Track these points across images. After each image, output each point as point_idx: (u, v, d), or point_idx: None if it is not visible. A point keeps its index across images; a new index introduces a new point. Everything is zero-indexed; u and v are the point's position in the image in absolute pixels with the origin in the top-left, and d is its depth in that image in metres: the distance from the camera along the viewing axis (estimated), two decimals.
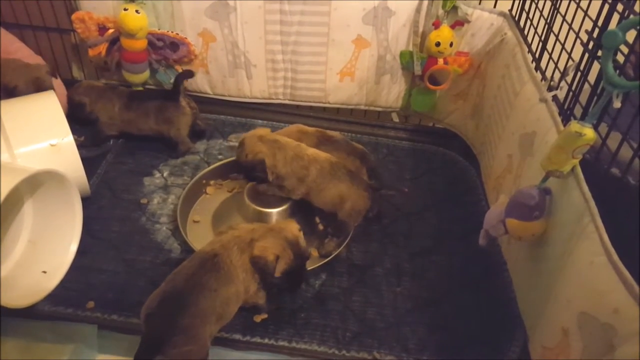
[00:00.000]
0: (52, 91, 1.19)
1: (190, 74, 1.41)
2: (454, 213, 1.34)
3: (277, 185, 1.17)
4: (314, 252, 1.18)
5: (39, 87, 1.25)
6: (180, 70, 1.53)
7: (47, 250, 1.08)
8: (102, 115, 1.38)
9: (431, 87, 1.47)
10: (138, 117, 1.38)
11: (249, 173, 1.19)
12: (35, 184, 1.07)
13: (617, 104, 0.75)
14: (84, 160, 1.16)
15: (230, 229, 0.99)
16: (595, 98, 0.92)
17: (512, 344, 1.01)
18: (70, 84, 1.48)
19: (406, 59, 1.49)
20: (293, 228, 1.00)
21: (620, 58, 0.81)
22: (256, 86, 1.58)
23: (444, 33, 1.38)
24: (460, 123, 1.56)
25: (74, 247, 1.08)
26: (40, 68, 1.31)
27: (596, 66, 0.95)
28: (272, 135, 1.18)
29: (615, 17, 0.89)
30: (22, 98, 1.18)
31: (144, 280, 1.07)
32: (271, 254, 0.94)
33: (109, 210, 1.23)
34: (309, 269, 1.10)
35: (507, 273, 1.11)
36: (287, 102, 1.62)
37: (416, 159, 1.52)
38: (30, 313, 0.98)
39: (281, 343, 0.99)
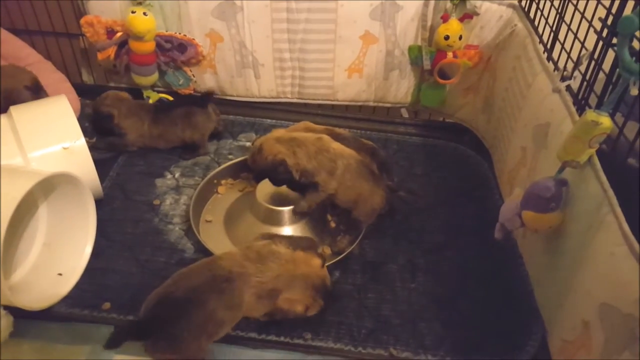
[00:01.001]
0: (63, 95, 1.20)
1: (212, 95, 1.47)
2: (467, 208, 1.32)
3: (311, 192, 1.15)
4: (327, 250, 1.18)
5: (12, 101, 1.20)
6: (189, 72, 1.54)
7: (62, 253, 1.08)
8: (131, 132, 1.37)
9: (441, 81, 1.46)
10: (167, 129, 1.38)
11: (272, 176, 1.17)
12: (49, 187, 1.07)
13: (634, 91, 0.74)
14: (96, 162, 1.16)
15: (257, 258, 0.92)
16: (611, 87, 0.90)
17: (530, 338, 0.99)
18: (80, 88, 1.50)
19: (415, 54, 1.48)
20: (316, 267, 0.96)
21: (636, 45, 0.80)
22: (264, 85, 1.58)
23: (453, 26, 1.37)
24: (471, 117, 1.55)
25: (88, 249, 1.09)
26: (21, 80, 1.23)
27: (610, 54, 0.93)
28: (289, 134, 1.17)
29: (630, 4, 0.88)
30: (33, 102, 1.19)
31: (159, 281, 1.05)
32: (300, 305, 0.92)
33: (122, 212, 1.24)
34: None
35: (523, 267, 1.10)
36: (295, 100, 1.62)
37: (427, 155, 1.51)
38: (46, 315, 0.98)
39: (296, 341, 0.98)
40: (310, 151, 1.13)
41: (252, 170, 1.29)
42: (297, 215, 1.19)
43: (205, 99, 1.42)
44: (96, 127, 1.38)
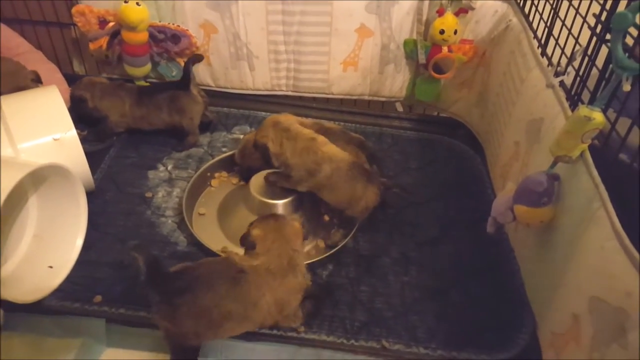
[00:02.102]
0: (54, 85, 1.18)
1: (200, 57, 1.41)
2: (460, 202, 1.33)
3: (285, 176, 1.17)
4: (321, 243, 1.18)
5: (15, 75, 1.24)
6: (182, 63, 1.53)
7: (53, 245, 1.07)
8: (112, 113, 1.36)
9: (435, 75, 1.46)
10: (150, 112, 1.37)
11: (259, 155, 1.20)
12: (39, 178, 1.06)
13: (626, 87, 0.74)
14: (88, 154, 1.15)
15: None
16: (604, 82, 0.91)
17: (520, 331, 1.00)
18: (71, 78, 1.48)
19: (410, 48, 1.47)
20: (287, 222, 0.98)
21: (629, 41, 0.80)
22: (259, 78, 1.57)
23: (448, 21, 1.37)
24: (465, 112, 1.55)
25: (79, 242, 1.08)
26: (26, 76, 1.28)
27: (604, 51, 0.94)
28: (287, 124, 1.17)
29: (623, 1, 0.88)
30: (23, 92, 1.17)
31: None
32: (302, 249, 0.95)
33: (113, 204, 1.23)
34: (315, 259, 1.10)
35: (514, 261, 1.10)
36: (290, 93, 1.61)
37: (421, 149, 1.51)
38: (37, 308, 0.98)
39: (290, 333, 0.99)
40: (297, 147, 1.14)
41: (240, 166, 1.28)
42: (266, 183, 1.20)
43: (194, 59, 1.39)
44: (77, 116, 1.36)
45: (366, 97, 1.61)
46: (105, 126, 1.38)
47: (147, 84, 1.55)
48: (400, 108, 1.71)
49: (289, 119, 1.20)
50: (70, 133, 1.11)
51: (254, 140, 1.20)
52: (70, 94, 1.37)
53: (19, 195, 1.07)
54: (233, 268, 0.89)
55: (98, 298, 1.01)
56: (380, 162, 1.30)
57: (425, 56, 1.45)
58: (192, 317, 0.85)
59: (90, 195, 1.16)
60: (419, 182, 1.38)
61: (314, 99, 1.63)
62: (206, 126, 1.47)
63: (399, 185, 1.28)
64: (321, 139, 1.17)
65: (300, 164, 1.13)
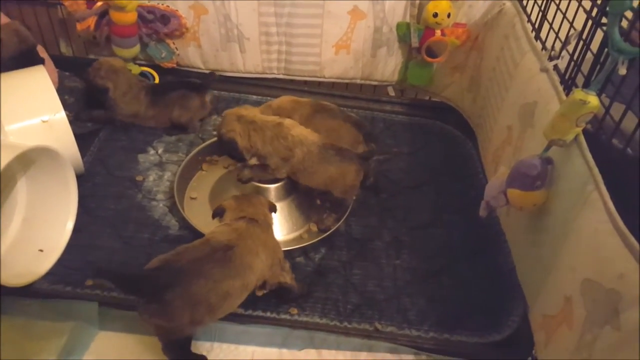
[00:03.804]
0: (41, 66, 1.16)
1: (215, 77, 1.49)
2: (452, 186, 1.34)
3: (260, 166, 1.15)
4: (313, 227, 1.18)
5: (20, 37, 1.23)
6: (172, 45, 1.50)
7: (43, 229, 1.06)
8: (127, 111, 1.33)
9: (428, 59, 1.45)
10: (161, 111, 1.36)
11: (224, 148, 1.19)
12: (28, 161, 1.04)
13: (622, 70, 0.74)
14: (77, 136, 1.13)
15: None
16: (599, 67, 0.91)
17: (511, 314, 1.02)
18: (58, 60, 1.44)
19: (403, 31, 1.46)
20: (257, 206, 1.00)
21: (624, 25, 0.80)
22: (250, 60, 1.55)
23: (442, 4, 1.36)
24: (457, 96, 1.55)
25: (70, 225, 1.06)
26: (14, 23, 1.27)
27: (599, 35, 0.94)
28: (251, 116, 1.16)
29: None
30: (11, 73, 1.14)
31: (143, 257, 1.05)
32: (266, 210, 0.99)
33: (104, 187, 1.21)
34: (308, 243, 1.11)
35: (505, 244, 1.11)
36: (281, 76, 1.59)
37: (413, 133, 1.51)
38: (29, 291, 0.97)
39: (283, 316, 0.99)
40: (266, 136, 1.13)
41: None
42: (238, 182, 1.18)
43: (206, 83, 1.42)
44: (88, 98, 1.34)
45: (358, 81, 1.60)
46: (109, 117, 1.35)
47: (138, 67, 1.51)
48: (392, 92, 1.70)
49: (251, 111, 1.20)
50: (59, 115, 1.09)
51: (219, 135, 1.18)
52: (90, 79, 1.31)
53: (7, 179, 1.05)
54: (219, 248, 0.87)
55: (90, 281, 1.00)
56: (377, 141, 1.29)
57: (418, 39, 1.44)
58: (189, 308, 0.82)
59: (80, 178, 1.14)
60: (410, 166, 1.39)
61: (306, 82, 1.61)
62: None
63: (384, 151, 1.28)
64: (288, 122, 1.16)
65: (272, 151, 1.13)
